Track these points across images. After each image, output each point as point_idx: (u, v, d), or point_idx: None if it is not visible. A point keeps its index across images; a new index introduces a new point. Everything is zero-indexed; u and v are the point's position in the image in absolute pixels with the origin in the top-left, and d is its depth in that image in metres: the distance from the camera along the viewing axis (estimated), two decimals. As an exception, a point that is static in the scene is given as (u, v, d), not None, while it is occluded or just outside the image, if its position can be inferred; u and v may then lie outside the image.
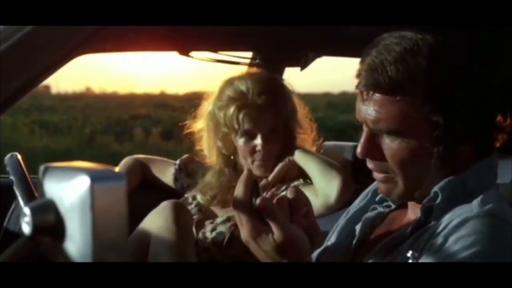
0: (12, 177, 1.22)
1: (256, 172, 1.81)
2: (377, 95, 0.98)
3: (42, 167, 0.62)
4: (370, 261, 1.04)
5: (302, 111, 1.92)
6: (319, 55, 2.22)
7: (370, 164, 1.05)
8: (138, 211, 1.52)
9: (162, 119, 12.01)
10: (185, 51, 1.97)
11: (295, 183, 1.82)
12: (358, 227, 1.15)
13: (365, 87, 0.99)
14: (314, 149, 1.90)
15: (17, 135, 9.47)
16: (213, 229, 1.80)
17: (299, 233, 0.91)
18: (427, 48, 0.95)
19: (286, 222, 0.90)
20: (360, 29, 1.11)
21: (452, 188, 0.99)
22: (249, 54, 2.17)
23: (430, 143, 0.98)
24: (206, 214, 1.90)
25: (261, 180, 0.98)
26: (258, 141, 1.80)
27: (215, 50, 2.04)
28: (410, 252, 0.96)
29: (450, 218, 0.96)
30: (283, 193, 0.95)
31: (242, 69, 2.01)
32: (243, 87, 1.80)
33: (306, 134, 1.92)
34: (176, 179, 2.06)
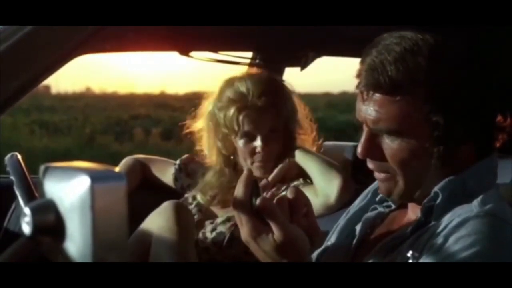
0: (12, 177, 1.22)
1: (256, 173, 1.80)
2: (377, 95, 0.98)
3: (42, 167, 0.62)
4: (370, 261, 1.04)
5: (302, 111, 1.92)
6: (319, 55, 2.21)
7: (370, 164, 1.05)
8: (138, 211, 1.52)
9: (162, 119, 12.01)
10: (185, 51, 1.97)
11: (295, 183, 1.81)
12: (358, 227, 1.15)
13: (365, 87, 0.99)
14: (314, 149, 1.90)
15: (17, 135, 9.47)
16: (213, 229, 1.80)
17: (299, 233, 0.91)
18: (427, 48, 0.95)
19: (286, 222, 0.90)
20: (360, 29, 1.11)
21: (452, 188, 0.99)
22: (249, 54, 2.17)
23: (430, 143, 0.98)
24: (206, 214, 1.90)
25: (261, 180, 0.98)
26: (258, 142, 1.80)
27: (215, 50, 2.03)
28: (410, 252, 0.96)
29: (450, 218, 0.96)
30: (283, 193, 0.95)
31: (242, 69, 2.01)
32: (243, 88, 1.79)
33: (306, 134, 1.92)
34: (176, 179, 2.05)
